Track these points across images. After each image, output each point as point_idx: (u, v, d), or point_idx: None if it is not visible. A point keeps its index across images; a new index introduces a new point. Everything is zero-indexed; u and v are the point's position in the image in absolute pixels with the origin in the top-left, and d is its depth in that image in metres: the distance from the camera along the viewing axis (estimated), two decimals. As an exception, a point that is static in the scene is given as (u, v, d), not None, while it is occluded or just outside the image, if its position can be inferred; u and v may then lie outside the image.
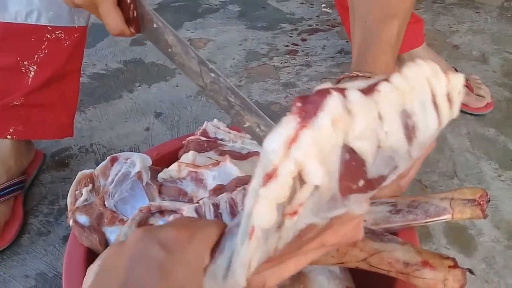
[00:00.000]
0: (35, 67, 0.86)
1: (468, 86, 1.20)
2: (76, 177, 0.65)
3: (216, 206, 0.53)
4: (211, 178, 0.60)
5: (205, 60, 0.56)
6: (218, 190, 0.56)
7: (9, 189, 0.90)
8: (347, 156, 0.28)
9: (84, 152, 1.08)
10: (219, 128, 0.72)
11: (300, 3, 1.73)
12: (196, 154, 0.66)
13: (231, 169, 0.60)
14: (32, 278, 0.83)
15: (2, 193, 0.88)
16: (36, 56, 0.86)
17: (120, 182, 0.63)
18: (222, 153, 0.67)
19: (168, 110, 1.21)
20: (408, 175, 0.45)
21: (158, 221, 0.58)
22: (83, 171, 0.66)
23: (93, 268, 0.55)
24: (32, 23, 0.83)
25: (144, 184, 0.62)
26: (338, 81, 0.71)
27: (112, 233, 0.60)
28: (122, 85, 1.31)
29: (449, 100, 0.33)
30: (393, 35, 0.60)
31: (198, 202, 0.51)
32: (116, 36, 0.63)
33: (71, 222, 0.62)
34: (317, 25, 1.60)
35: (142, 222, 0.58)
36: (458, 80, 0.34)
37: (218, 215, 0.54)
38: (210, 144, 0.70)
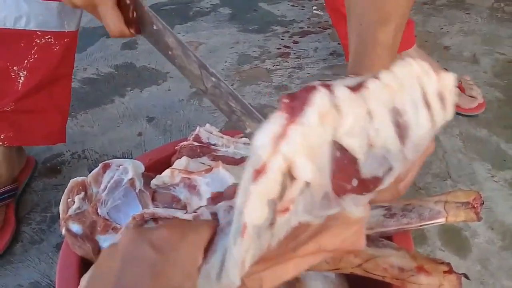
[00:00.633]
0: (25, 72, 0.85)
1: (459, 87, 1.21)
2: (68, 185, 0.64)
3: (214, 215, 0.53)
4: (205, 185, 0.59)
5: (206, 64, 0.56)
6: (216, 198, 0.56)
7: (1, 197, 0.89)
8: (337, 153, 0.28)
9: (77, 158, 1.07)
10: (212, 133, 0.72)
11: (291, 5, 1.73)
12: (189, 160, 0.65)
13: (224, 175, 0.60)
14: (25, 287, 0.82)
15: (-7, 201, 0.88)
16: (26, 61, 0.85)
17: (112, 190, 0.62)
18: (215, 159, 0.67)
19: (160, 115, 1.21)
20: (406, 179, 0.45)
21: (152, 228, 0.57)
22: (75, 178, 0.65)
23: (87, 275, 0.55)
24: (21, 28, 0.82)
25: (137, 191, 0.62)
26: None
27: (105, 241, 0.59)
28: (114, 89, 1.31)
29: (442, 99, 0.33)
30: (389, 38, 0.60)
31: (196, 212, 0.50)
32: (116, 37, 0.62)
33: (63, 230, 0.61)
34: (308, 27, 1.60)
35: (136, 230, 0.57)
36: (449, 78, 0.34)
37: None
38: (203, 150, 0.70)
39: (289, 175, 0.27)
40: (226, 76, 1.36)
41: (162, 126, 1.17)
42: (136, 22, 0.60)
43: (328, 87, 0.28)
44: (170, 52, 0.58)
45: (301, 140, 0.26)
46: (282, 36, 1.55)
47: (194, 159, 0.66)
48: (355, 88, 0.29)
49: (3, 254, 0.86)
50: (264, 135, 0.26)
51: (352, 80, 0.30)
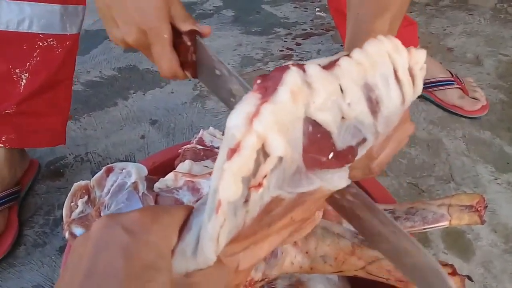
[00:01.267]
0: (27, 74, 0.86)
1: (463, 89, 1.20)
2: (72, 189, 0.64)
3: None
4: (208, 188, 0.59)
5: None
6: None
7: (4, 200, 0.89)
8: (310, 127, 0.29)
9: (80, 161, 1.08)
10: (215, 136, 0.72)
11: (294, 7, 1.74)
12: (192, 163, 0.65)
13: (228, 179, 0.60)
14: (28, 290, 0.82)
15: (-4, 204, 0.88)
16: (28, 63, 0.85)
17: (116, 193, 0.62)
18: (219, 162, 0.67)
19: (163, 117, 1.21)
20: (380, 157, 0.45)
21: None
22: (78, 182, 0.65)
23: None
24: (24, 31, 0.83)
25: (140, 194, 0.62)
26: None
27: (108, 244, 0.59)
28: (117, 92, 1.31)
29: (411, 75, 0.34)
30: (385, 27, 0.60)
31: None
32: (167, 78, 0.58)
33: (67, 234, 0.61)
34: (311, 29, 1.60)
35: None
36: (420, 55, 0.35)
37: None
38: (206, 153, 0.70)
39: (263, 152, 0.27)
40: (228, 79, 1.35)
41: (165, 129, 1.17)
42: (194, 65, 0.56)
43: (301, 66, 0.29)
44: (233, 100, 0.53)
45: (274, 117, 0.27)
46: (285, 38, 1.55)
47: (197, 162, 0.66)
48: (328, 67, 0.30)
49: (6, 257, 0.86)
50: (238, 115, 0.27)
51: (325, 59, 0.31)
